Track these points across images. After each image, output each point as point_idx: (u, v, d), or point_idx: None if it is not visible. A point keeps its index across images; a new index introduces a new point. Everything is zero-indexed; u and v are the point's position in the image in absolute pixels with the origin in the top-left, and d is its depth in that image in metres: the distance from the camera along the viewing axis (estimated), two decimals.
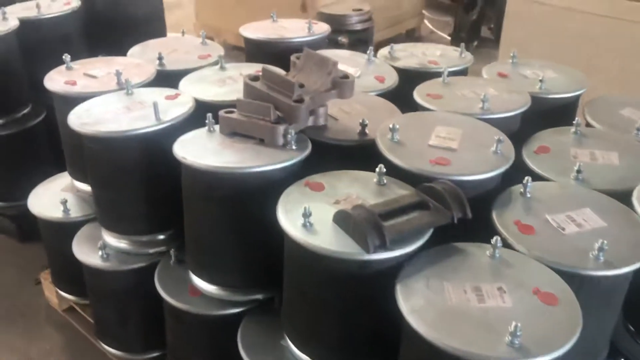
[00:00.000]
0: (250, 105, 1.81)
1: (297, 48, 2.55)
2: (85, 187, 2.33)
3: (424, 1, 5.98)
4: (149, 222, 2.04)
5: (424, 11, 6.01)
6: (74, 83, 2.20)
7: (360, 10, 4.27)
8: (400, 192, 1.60)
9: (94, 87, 2.18)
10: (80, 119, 1.92)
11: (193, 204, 1.80)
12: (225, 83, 2.22)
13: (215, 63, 2.47)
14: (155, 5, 3.38)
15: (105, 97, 2.09)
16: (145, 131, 1.87)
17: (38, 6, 2.97)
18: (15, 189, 3.00)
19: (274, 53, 2.57)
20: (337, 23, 4.27)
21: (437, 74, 2.33)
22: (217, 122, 1.86)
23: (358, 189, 1.62)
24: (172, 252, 2.02)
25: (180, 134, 1.87)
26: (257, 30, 2.66)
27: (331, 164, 1.78)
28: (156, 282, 1.96)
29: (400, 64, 2.46)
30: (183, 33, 3.81)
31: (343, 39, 4.23)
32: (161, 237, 2.08)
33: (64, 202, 2.26)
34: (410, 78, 2.36)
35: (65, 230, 2.25)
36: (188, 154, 1.70)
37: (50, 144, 3.09)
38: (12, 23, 2.83)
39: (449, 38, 5.89)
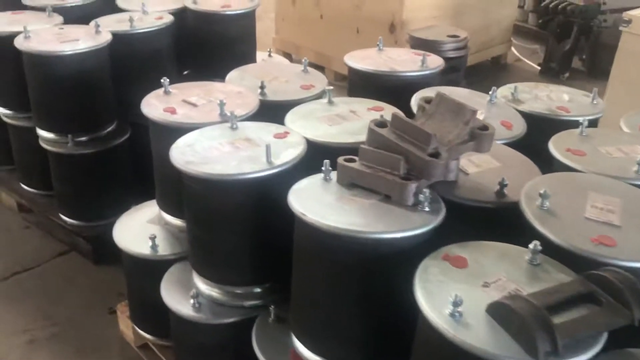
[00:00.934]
0: (376, 156, 1.59)
1: (409, 83, 2.35)
2: (175, 222, 2.17)
3: (512, 27, 5.69)
4: (249, 273, 1.84)
5: (511, 38, 5.71)
6: (173, 111, 2.04)
7: (456, 37, 4.02)
8: (559, 276, 1.35)
9: (195, 117, 2.01)
10: (184, 156, 1.75)
11: (306, 264, 1.59)
12: (336, 121, 2.01)
13: (320, 95, 2.28)
14: (248, 24, 3.22)
15: (208, 131, 1.91)
16: (255, 176, 1.67)
17: (131, 20, 2.85)
18: (93, 209, 2.89)
19: (383, 87, 2.36)
20: (429, 48, 4.02)
21: (569, 123, 2.08)
22: (333, 168, 1.65)
23: (508, 268, 1.38)
24: (271, 309, 1.81)
25: (290, 179, 1.67)
26: (363, 60, 2.45)
27: (462, 228, 1.54)
28: (254, 342, 1.76)
29: (525, 108, 2.20)
30: (270, 53, 3.67)
31: None
32: (258, 289, 1.88)
33: (153, 238, 2.09)
34: (537, 125, 2.11)
35: (151, 268, 2.09)
36: (307, 210, 1.49)
37: (132, 165, 2.97)
38: (105, 37, 2.71)
39: (538, 68, 5.57)
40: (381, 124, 1.65)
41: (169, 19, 2.98)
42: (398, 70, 2.35)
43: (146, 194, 3.03)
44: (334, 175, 1.65)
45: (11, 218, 3.22)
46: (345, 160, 1.63)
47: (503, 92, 2.33)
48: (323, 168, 1.65)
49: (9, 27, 2.85)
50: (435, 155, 1.54)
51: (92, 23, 2.81)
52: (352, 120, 2.01)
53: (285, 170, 1.71)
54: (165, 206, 2.20)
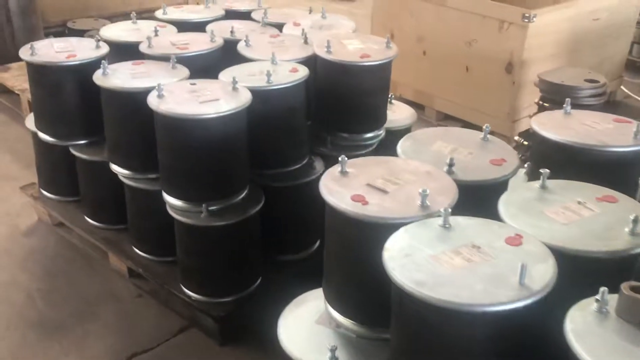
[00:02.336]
0: None
1: (621, 159, 1.98)
2: (353, 326, 1.83)
3: (623, 66, 5.26)
4: None
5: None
6: (363, 201, 1.70)
7: (594, 81, 3.62)
8: None
9: (393, 210, 1.66)
10: (409, 273, 1.40)
11: None
12: (568, 217, 1.65)
13: (515, 172, 1.94)
14: (385, 76, 2.90)
15: (417, 230, 1.57)
16: (512, 307, 1.32)
17: (268, 74, 2.54)
18: (223, 285, 2.58)
19: (586, 163, 1.99)
20: (564, 94, 3.65)
21: None
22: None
23: None
24: None
25: (544, 304, 1.33)
26: (559, 128, 2.08)
27: None
28: None
29: None
30: (391, 99, 3.34)
31: None
32: None
33: (333, 350, 1.74)
34: None
35: None
36: None
37: (262, 235, 2.66)
38: (245, 95, 2.41)
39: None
40: None
41: (304, 71, 2.67)
42: (610, 145, 1.96)
43: (275, 267, 2.75)
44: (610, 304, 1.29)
45: (121, 284, 2.94)
46: (632, 289, 1.27)
47: None
48: (598, 297, 1.29)
49: (134, 81, 2.57)
50: None
51: (228, 78, 2.52)
52: (586, 216, 1.65)
53: (544, 297, 1.35)
54: (343, 309, 1.86)
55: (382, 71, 2.85)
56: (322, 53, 2.78)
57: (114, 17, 6.34)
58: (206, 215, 2.41)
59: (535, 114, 3.85)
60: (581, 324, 1.26)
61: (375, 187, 1.78)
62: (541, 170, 1.79)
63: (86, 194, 3.06)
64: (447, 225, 1.58)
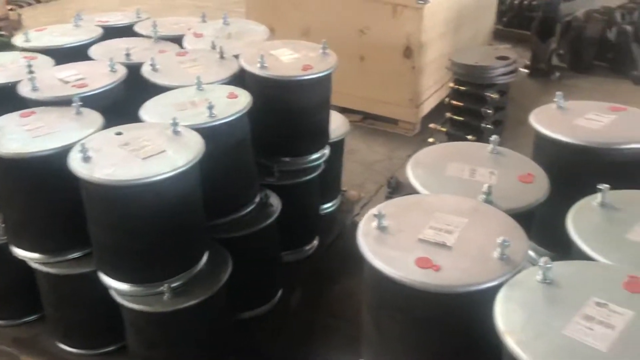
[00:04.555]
0: None
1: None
2: None
3: (492, 34, 5.38)
4: None
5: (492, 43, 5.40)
6: (432, 265, 1.35)
7: (506, 58, 3.56)
8: None
9: (473, 272, 1.33)
10: None
11: None
12: None
13: (549, 188, 1.71)
14: (329, 86, 2.56)
15: (521, 295, 1.26)
16: None
17: (209, 106, 2.06)
18: None
19: (603, 166, 1.81)
20: (476, 76, 3.57)
21: None
22: None
23: None
24: None
25: None
26: (563, 127, 1.88)
27: None
28: None
29: None
30: None
31: (493, 95, 3.51)
32: None
33: None
34: None
35: None
36: None
37: None
38: (195, 140, 1.92)
39: (526, 71, 5.23)
40: None
41: (246, 95, 2.22)
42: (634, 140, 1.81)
43: (240, 327, 2.33)
44: None
45: None
46: None
47: None
48: None
49: (37, 141, 1.93)
50: None
51: (155, 117, 2.02)
52: None
53: None
54: None
55: (327, 81, 2.50)
56: (255, 70, 2.35)
57: None
58: (170, 296, 1.90)
59: (449, 96, 3.76)
60: None
61: (431, 241, 1.44)
62: (600, 187, 1.57)
63: None
64: (547, 281, 1.30)
